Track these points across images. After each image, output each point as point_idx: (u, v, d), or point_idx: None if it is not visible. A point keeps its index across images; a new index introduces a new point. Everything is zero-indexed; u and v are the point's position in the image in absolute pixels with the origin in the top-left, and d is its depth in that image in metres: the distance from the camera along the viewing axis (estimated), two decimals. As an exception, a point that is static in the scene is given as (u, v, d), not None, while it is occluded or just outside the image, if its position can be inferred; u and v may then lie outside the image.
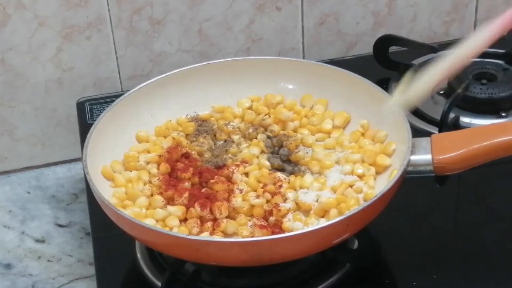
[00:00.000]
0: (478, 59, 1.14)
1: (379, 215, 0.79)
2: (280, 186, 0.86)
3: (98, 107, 1.12)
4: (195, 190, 0.85)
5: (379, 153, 0.88)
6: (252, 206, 0.84)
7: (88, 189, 0.87)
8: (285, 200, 0.85)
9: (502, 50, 1.16)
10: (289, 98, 0.98)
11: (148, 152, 0.91)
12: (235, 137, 0.93)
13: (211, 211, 0.82)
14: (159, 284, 0.83)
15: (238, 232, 0.81)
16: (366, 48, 1.20)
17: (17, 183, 1.14)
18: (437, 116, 1.00)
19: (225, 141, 0.94)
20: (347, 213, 0.75)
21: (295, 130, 0.94)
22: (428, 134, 0.87)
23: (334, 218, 0.78)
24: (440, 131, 0.98)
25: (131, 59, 1.15)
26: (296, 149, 0.91)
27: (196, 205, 0.82)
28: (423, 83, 0.84)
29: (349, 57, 1.24)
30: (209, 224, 0.82)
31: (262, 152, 0.91)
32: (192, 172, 0.86)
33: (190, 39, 1.16)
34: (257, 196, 0.84)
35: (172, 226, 0.81)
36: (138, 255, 0.88)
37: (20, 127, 1.15)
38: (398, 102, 0.86)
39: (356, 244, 0.85)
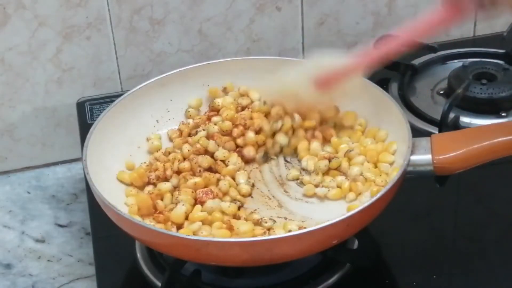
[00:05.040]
0: (478, 59, 1.14)
1: (379, 215, 0.79)
2: None
3: (98, 107, 1.12)
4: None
5: (381, 152, 0.88)
6: None
7: (88, 189, 0.87)
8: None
9: (502, 50, 1.17)
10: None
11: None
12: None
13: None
14: (159, 284, 0.83)
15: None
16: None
17: (17, 183, 1.14)
18: (437, 116, 1.00)
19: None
20: (347, 213, 0.75)
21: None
22: (428, 134, 0.87)
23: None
24: (440, 131, 0.97)
25: (131, 59, 1.15)
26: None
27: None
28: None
29: (349, 57, 1.24)
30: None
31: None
32: None
33: (190, 39, 1.16)
34: None
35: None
36: (138, 255, 0.88)
37: (20, 127, 1.15)
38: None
39: (356, 244, 0.85)
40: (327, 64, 0.89)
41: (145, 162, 0.92)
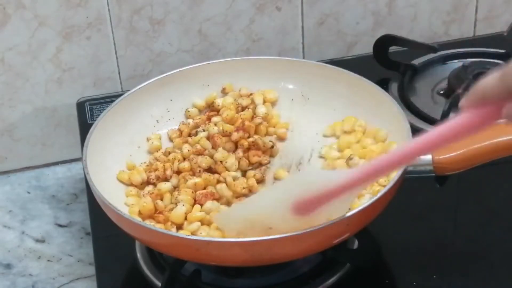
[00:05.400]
0: (478, 59, 1.14)
1: (379, 215, 0.79)
2: None
3: (98, 107, 1.12)
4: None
5: (380, 153, 0.88)
6: None
7: (88, 189, 0.87)
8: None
9: (502, 50, 1.17)
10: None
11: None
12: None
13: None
14: (159, 284, 0.83)
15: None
16: (366, 48, 1.20)
17: (17, 183, 1.14)
18: (437, 116, 1.00)
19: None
20: (347, 213, 0.75)
21: None
22: (428, 134, 0.87)
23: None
24: (440, 131, 0.97)
25: (131, 59, 1.15)
26: None
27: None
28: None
29: (349, 57, 1.24)
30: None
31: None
32: None
33: (190, 39, 1.16)
34: None
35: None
36: (138, 255, 0.88)
37: (20, 127, 1.15)
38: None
39: (356, 244, 0.85)
40: (311, 184, 0.72)
41: (145, 162, 0.92)
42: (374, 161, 0.71)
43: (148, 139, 0.95)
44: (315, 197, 0.72)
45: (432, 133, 0.65)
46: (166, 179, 0.89)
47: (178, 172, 0.89)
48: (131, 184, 0.89)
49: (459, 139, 0.64)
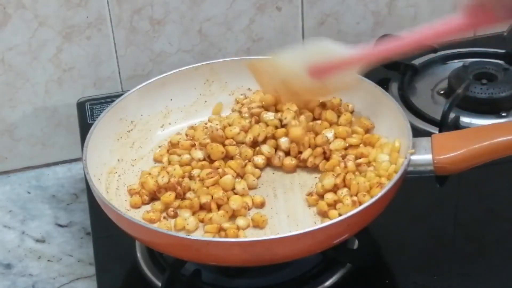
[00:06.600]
0: (478, 59, 1.14)
1: (379, 215, 0.79)
2: None
3: (98, 107, 1.12)
4: None
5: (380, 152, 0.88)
6: None
7: (88, 189, 0.87)
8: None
9: (502, 50, 1.17)
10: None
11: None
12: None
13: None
14: (159, 284, 0.83)
15: None
16: (366, 48, 1.20)
17: (17, 183, 1.14)
18: (437, 116, 1.00)
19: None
20: (347, 213, 0.75)
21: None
22: (428, 134, 0.87)
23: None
24: (440, 131, 0.98)
25: (131, 59, 1.15)
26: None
27: None
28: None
29: (349, 57, 1.23)
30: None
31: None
32: None
33: (190, 39, 1.16)
34: None
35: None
36: (138, 255, 0.88)
37: (20, 127, 1.15)
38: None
39: (356, 244, 0.85)
40: (326, 53, 0.88)
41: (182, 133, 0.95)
42: (380, 44, 0.87)
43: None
44: (328, 64, 0.87)
45: (433, 25, 0.80)
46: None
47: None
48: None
49: (447, 37, 0.81)
